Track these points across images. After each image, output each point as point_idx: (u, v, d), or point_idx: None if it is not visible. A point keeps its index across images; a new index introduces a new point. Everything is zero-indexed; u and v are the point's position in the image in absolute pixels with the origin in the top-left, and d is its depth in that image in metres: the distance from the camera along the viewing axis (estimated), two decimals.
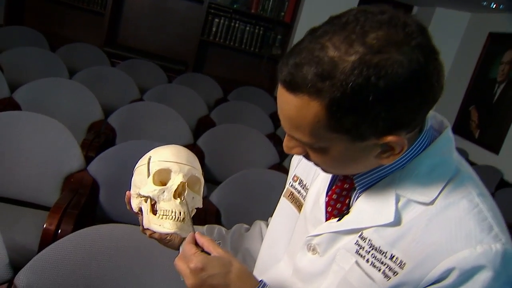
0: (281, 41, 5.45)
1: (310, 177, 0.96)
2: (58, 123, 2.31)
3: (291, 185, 1.01)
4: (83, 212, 2.05)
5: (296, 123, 0.70)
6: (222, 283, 0.79)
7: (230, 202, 2.33)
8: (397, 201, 0.76)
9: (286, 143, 0.77)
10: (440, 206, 0.74)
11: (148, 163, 0.97)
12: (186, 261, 0.80)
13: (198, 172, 0.98)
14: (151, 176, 0.95)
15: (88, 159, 2.34)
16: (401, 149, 0.70)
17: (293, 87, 0.67)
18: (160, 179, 0.95)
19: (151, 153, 0.99)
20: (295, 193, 0.98)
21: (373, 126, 0.66)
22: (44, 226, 1.88)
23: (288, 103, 0.69)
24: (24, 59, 3.78)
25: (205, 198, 2.35)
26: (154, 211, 0.95)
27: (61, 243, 1.41)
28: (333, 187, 0.86)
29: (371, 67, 0.61)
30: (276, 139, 3.75)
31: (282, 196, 1.03)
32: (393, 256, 0.74)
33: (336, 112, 0.65)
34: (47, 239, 1.84)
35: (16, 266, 1.38)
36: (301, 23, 5.07)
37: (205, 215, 2.27)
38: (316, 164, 0.78)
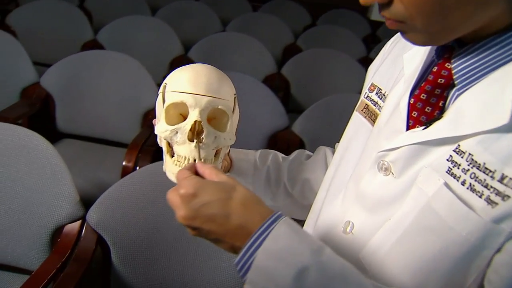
0: None
1: (390, 82, 0.73)
2: (134, 60, 2.27)
3: (366, 96, 0.78)
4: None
5: None
6: (220, 212, 0.60)
7: (314, 131, 2.16)
8: None
9: None
10: None
11: (163, 92, 0.78)
12: (177, 188, 0.63)
13: (224, 103, 0.76)
14: (163, 112, 0.76)
15: None
16: None
17: None
18: (180, 112, 0.77)
19: (169, 78, 0.79)
20: (371, 105, 0.76)
21: None
22: (123, 163, 1.87)
23: None
24: (108, 1, 3.80)
25: (287, 128, 2.21)
26: (172, 153, 0.78)
27: (126, 180, 1.36)
28: (423, 84, 0.62)
29: None
30: (369, 63, 3.42)
31: (354, 111, 0.81)
32: (505, 177, 0.51)
33: None
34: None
35: None
36: None
37: (287, 146, 2.14)
38: (404, 17, 0.54)
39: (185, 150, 0.74)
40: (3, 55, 2.33)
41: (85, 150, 2.17)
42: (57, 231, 1.39)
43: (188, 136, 0.74)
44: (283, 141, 2.16)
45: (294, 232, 0.60)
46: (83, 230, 1.35)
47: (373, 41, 4.09)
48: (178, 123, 0.75)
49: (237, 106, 0.83)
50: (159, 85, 0.84)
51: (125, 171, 1.84)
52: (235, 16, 3.78)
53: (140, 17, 3.14)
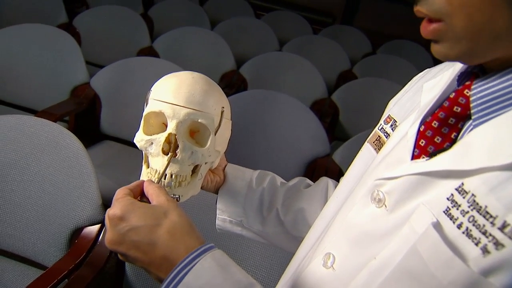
0: None
1: (407, 113, 0.66)
2: (181, 70, 2.28)
3: (381, 128, 0.72)
4: None
5: None
6: (146, 240, 0.57)
7: None
8: None
9: None
10: None
11: (147, 98, 0.75)
12: (109, 209, 0.60)
13: (206, 116, 0.71)
14: (142, 119, 0.74)
15: None
16: None
17: None
18: (163, 121, 0.73)
19: (155, 84, 0.76)
20: (383, 136, 0.69)
21: None
22: None
23: None
24: (171, 12, 3.90)
25: (328, 156, 2.13)
26: (148, 163, 0.75)
27: None
28: (436, 111, 0.55)
29: None
30: None
31: (365, 142, 0.75)
32: (507, 225, 0.43)
33: None
34: None
35: None
36: None
37: (325, 175, 2.05)
38: (443, 13, 0.48)
39: (158, 163, 0.71)
40: (60, 54, 2.41)
41: (123, 153, 2.19)
42: (77, 232, 1.39)
43: (162, 148, 0.70)
44: (322, 169, 2.09)
45: (220, 268, 0.56)
46: (101, 235, 1.34)
47: None
48: (157, 133, 0.72)
49: (227, 120, 0.79)
50: None
51: None
52: (294, 37, 3.76)
53: (197, 29, 3.18)
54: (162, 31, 3.25)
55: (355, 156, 0.81)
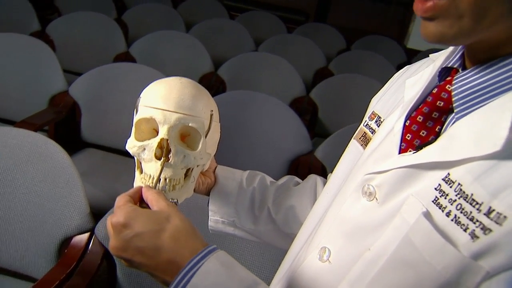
0: None
1: (391, 109, 0.69)
2: (161, 75, 2.27)
3: (366, 125, 0.74)
4: None
5: None
6: (150, 245, 0.58)
7: (337, 158, 2.09)
8: None
9: None
10: None
11: (136, 105, 0.76)
12: (111, 216, 0.61)
13: (196, 120, 0.73)
14: (133, 126, 0.75)
15: None
16: None
17: None
18: (154, 127, 0.74)
19: (144, 91, 0.77)
20: (369, 132, 0.72)
21: None
22: None
23: None
24: (145, 15, 3.88)
25: (310, 153, 2.16)
26: (141, 169, 0.76)
27: None
28: (420, 106, 0.58)
29: None
30: None
31: (352, 139, 0.77)
32: (492, 211, 0.45)
33: None
34: None
35: None
36: None
37: (309, 171, 2.08)
38: None
39: (151, 168, 0.72)
40: (36, 63, 2.38)
41: (106, 160, 2.18)
42: (66, 241, 1.38)
43: (155, 153, 0.72)
44: (305, 166, 2.12)
45: (225, 268, 0.58)
46: (91, 243, 1.34)
47: None
48: (149, 139, 0.73)
49: (216, 123, 0.80)
50: None
51: None
52: (269, 37, 3.79)
53: (173, 33, 3.18)
54: (137, 35, 3.23)
55: (337, 152, 0.83)
